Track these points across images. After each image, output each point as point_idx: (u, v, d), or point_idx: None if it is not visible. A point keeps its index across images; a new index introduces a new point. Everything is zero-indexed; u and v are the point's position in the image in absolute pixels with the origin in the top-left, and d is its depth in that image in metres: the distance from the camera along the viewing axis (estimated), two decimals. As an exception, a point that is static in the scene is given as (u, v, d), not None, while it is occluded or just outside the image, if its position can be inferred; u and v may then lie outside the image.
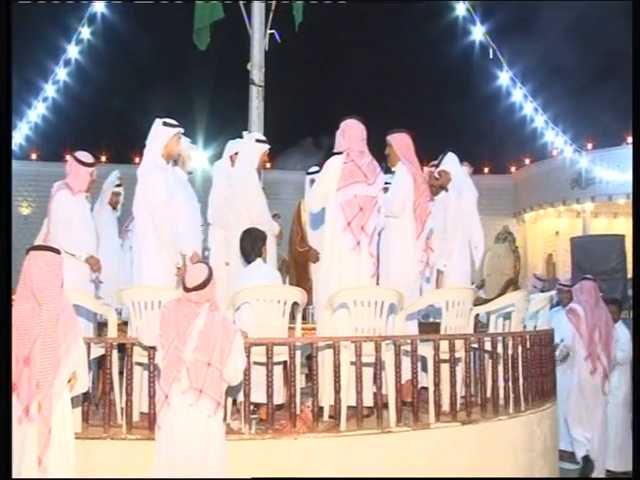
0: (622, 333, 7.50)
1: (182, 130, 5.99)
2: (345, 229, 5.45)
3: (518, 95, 21.56)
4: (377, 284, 5.67)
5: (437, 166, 6.57)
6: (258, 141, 6.83)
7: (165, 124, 5.83)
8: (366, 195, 5.50)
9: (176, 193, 5.80)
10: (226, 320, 4.23)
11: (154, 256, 5.61)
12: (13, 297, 4.02)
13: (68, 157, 6.03)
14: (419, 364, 5.17)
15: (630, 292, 15.08)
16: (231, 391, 4.48)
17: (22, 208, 26.21)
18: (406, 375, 5.10)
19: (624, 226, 22.09)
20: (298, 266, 7.22)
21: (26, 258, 3.95)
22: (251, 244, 5.70)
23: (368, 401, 4.99)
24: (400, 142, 6.08)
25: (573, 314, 6.98)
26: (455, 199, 6.27)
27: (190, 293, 4.11)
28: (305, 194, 7.42)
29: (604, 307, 7.20)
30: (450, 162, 6.53)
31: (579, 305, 7.05)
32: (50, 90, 22.84)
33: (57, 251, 4.09)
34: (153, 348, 4.43)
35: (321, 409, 4.95)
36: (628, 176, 17.79)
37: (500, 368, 5.58)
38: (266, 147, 6.80)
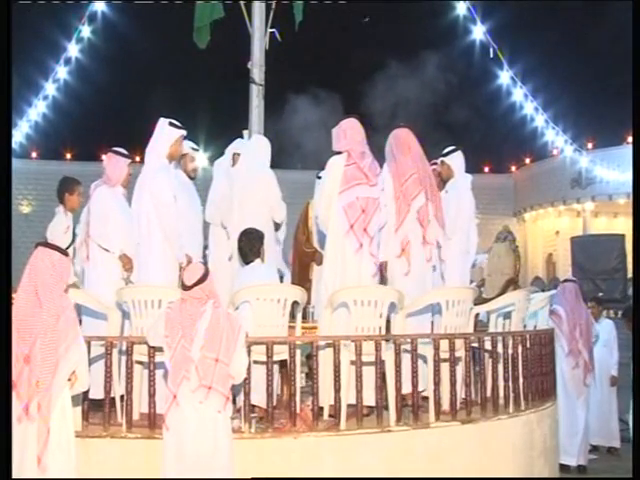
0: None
1: (185, 132, 6.03)
2: (348, 232, 5.45)
3: (518, 94, 21.56)
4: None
5: (443, 156, 6.54)
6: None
7: (171, 124, 5.87)
8: (368, 196, 5.50)
9: (178, 194, 5.83)
10: (230, 316, 4.23)
11: (160, 255, 5.64)
12: (13, 296, 4.01)
13: (105, 156, 6.08)
14: (419, 370, 5.13)
15: (630, 291, 15.11)
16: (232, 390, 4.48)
17: (22, 207, 26.22)
18: (407, 387, 5.08)
19: (624, 226, 22.09)
20: (301, 266, 7.23)
21: (34, 252, 3.92)
22: (249, 245, 5.71)
23: (368, 400, 4.99)
24: (388, 143, 6.03)
25: (555, 315, 7.48)
26: (455, 200, 6.24)
27: (193, 290, 4.11)
28: (315, 195, 7.41)
29: (584, 306, 7.87)
30: (456, 159, 6.51)
31: (560, 306, 7.61)
32: (50, 88, 22.85)
33: (65, 253, 4.04)
34: (155, 348, 4.44)
35: (321, 408, 4.94)
36: (628, 176, 17.81)
37: (500, 367, 5.58)
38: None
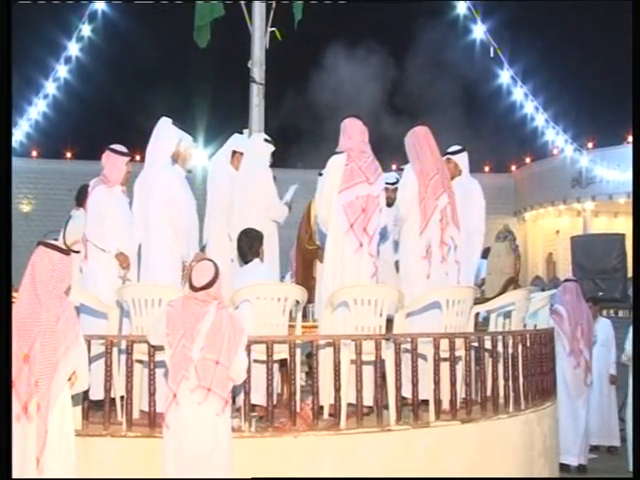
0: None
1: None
2: (348, 231, 5.45)
3: (519, 94, 21.54)
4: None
5: (451, 154, 6.51)
6: (266, 140, 6.95)
7: (174, 124, 5.93)
8: (367, 195, 5.50)
9: (183, 192, 5.88)
10: (234, 318, 4.21)
11: (168, 252, 5.66)
12: (14, 295, 4.00)
13: (104, 154, 6.01)
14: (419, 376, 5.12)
15: (630, 291, 15.10)
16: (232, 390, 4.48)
17: (22, 205, 26.22)
18: (407, 391, 5.07)
19: (624, 225, 22.11)
20: (305, 264, 7.25)
21: (35, 251, 3.89)
22: (249, 244, 5.73)
23: (368, 399, 4.99)
24: (408, 141, 6.03)
25: (556, 315, 7.51)
26: (460, 200, 6.20)
27: (198, 292, 4.10)
28: (316, 194, 7.43)
29: (585, 305, 7.88)
30: (462, 159, 6.50)
31: (562, 306, 7.64)
32: (51, 87, 22.84)
33: (66, 252, 3.99)
34: (155, 347, 4.44)
35: (321, 407, 4.94)
36: (628, 175, 17.80)
37: (500, 367, 5.58)
38: (272, 148, 6.91)
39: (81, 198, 6.62)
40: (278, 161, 7.14)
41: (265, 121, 8.38)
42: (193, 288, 4.12)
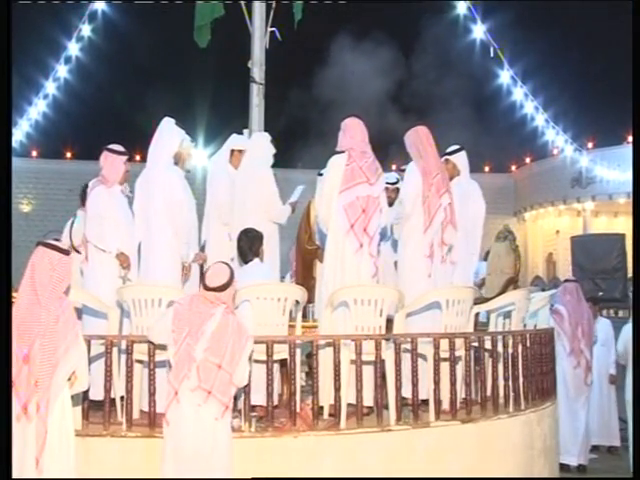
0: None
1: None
2: (348, 231, 5.45)
3: (519, 94, 21.55)
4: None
5: (449, 154, 6.51)
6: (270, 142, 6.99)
7: (177, 124, 5.94)
8: (368, 195, 5.50)
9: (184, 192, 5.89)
10: (240, 325, 4.19)
11: (168, 252, 5.68)
12: (14, 295, 4.00)
13: (102, 154, 5.99)
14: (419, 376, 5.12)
15: (630, 291, 15.10)
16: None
17: (22, 205, 26.23)
18: (407, 391, 5.07)
19: (624, 225, 22.13)
20: (305, 264, 7.25)
21: (35, 251, 3.88)
22: (249, 244, 5.73)
23: (368, 399, 4.99)
24: (410, 139, 6.03)
25: (557, 314, 7.55)
26: (458, 200, 6.20)
27: (208, 292, 4.11)
28: (316, 194, 7.44)
29: (586, 305, 7.90)
30: (461, 159, 6.49)
31: (562, 306, 7.68)
32: (51, 87, 22.86)
33: (66, 252, 3.98)
34: (155, 346, 4.44)
35: (321, 407, 4.94)
36: (628, 175, 17.81)
37: (500, 367, 5.58)
38: (274, 150, 6.94)
39: (84, 197, 6.62)
40: (278, 161, 7.14)
41: (265, 121, 8.38)
42: (205, 287, 4.14)
